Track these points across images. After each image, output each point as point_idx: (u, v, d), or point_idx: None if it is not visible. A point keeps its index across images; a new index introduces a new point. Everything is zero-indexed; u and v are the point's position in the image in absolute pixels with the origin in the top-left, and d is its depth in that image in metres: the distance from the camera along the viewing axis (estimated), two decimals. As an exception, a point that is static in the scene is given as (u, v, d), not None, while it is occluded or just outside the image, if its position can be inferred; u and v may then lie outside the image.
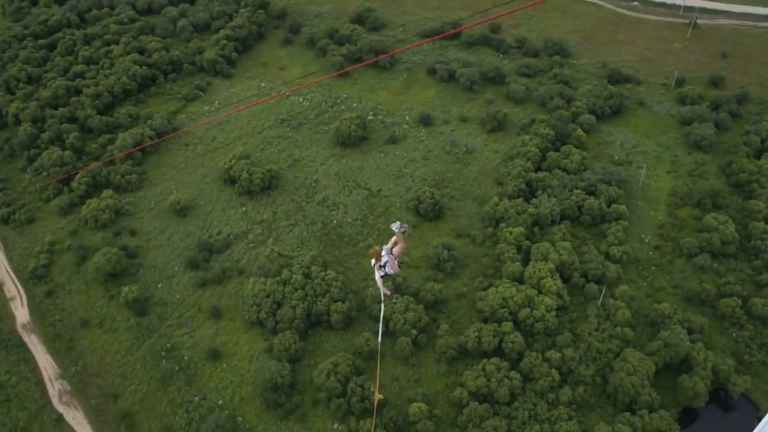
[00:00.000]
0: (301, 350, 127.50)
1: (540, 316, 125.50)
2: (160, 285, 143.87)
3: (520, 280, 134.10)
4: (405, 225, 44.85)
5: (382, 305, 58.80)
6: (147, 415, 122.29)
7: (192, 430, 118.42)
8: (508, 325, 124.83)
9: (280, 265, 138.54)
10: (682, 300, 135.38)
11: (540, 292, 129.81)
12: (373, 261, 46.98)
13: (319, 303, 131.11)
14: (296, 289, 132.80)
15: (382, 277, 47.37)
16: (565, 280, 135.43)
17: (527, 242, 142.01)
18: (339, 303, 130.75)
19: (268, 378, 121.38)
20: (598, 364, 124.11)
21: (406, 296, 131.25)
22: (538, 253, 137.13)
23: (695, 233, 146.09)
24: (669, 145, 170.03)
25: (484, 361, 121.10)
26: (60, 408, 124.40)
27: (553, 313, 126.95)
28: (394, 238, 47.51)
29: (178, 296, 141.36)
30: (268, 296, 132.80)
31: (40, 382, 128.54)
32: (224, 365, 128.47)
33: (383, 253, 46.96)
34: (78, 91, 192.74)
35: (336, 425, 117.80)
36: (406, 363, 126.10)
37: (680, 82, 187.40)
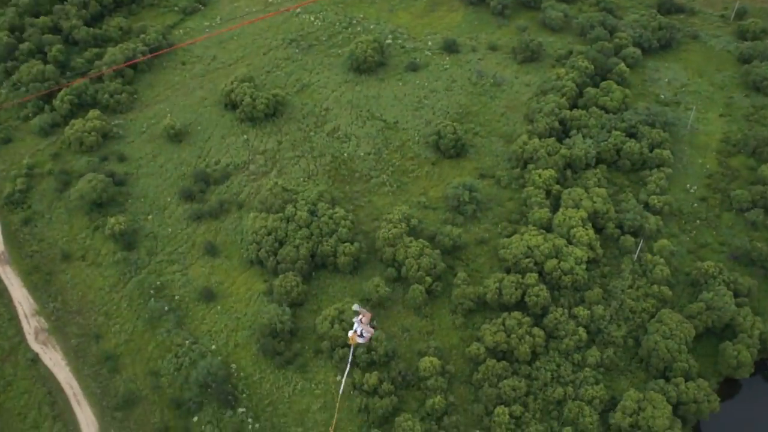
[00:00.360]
0: (303, 294, 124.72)
1: (568, 268, 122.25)
2: (150, 217, 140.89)
3: (548, 228, 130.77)
4: (358, 305, 51.04)
5: (349, 362, 65.45)
6: (132, 358, 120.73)
7: (181, 376, 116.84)
8: (532, 277, 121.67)
9: (284, 200, 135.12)
10: (729, 259, 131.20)
11: (570, 243, 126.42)
12: (351, 337, 54.01)
13: (325, 243, 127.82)
14: (301, 227, 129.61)
15: (363, 337, 54.90)
16: (598, 230, 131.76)
17: (558, 187, 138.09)
18: (347, 244, 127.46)
19: (266, 323, 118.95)
20: (630, 325, 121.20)
21: (421, 240, 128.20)
22: (570, 200, 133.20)
23: (748, 185, 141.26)
24: (724, 85, 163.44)
25: (505, 315, 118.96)
26: (36, 347, 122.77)
27: (583, 266, 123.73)
28: (360, 315, 56.49)
29: (170, 230, 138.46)
30: (269, 234, 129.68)
31: (14, 318, 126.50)
32: (218, 307, 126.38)
33: (355, 326, 56.75)
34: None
35: (339, 377, 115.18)
36: (419, 313, 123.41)
37: (741, 14, 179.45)
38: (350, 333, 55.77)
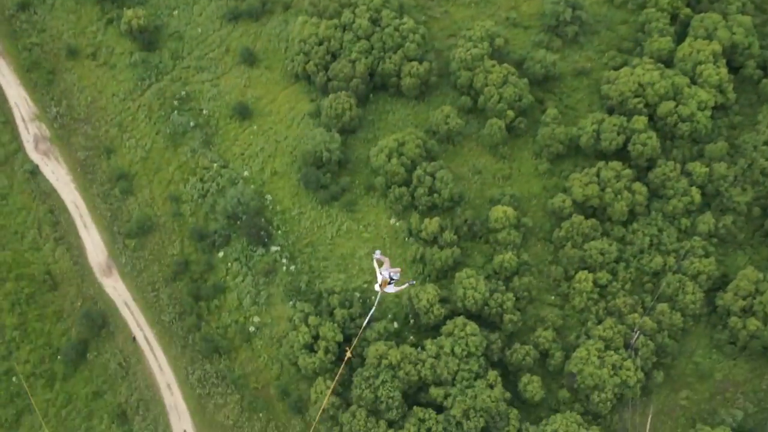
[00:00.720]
0: (357, 119, 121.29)
1: (688, 114, 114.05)
2: (176, 12, 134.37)
3: (668, 61, 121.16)
4: (379, 252, 59.56)
5: (371, 314, 68.87)
6: (149, 179, 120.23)
7: (206, 204, 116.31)
8: (640, 121, 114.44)
9: (340, 3, 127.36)
10: None
11: (694, 82, 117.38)
12: (378, 286, 58.63)
13: (388, 60, 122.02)
14: (359, 39, 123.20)
15: (394, 282, 59.20)
16: (734, 69, 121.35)
17: (687, 10, 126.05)
18: (415, 63, 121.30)
19: (311, 150, 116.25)
20: (759, 190, 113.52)
21: (506, 65, 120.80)
22: (701, 28, 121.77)
23: None
24: None
25: (600, 164, 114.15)
26: (36, 157, 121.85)
27: (708, 112, 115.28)
28: (380, 262, 60.40)
29: (199, 30, 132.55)
30: (320, 43, 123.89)
31: (10, 123, 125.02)
32: (254, 127, 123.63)
33: (383, 271, 58.56)
34: None
35: (393, 220, 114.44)
36: (495, 153, 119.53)
37: None
38: (377, 286, 59.91)
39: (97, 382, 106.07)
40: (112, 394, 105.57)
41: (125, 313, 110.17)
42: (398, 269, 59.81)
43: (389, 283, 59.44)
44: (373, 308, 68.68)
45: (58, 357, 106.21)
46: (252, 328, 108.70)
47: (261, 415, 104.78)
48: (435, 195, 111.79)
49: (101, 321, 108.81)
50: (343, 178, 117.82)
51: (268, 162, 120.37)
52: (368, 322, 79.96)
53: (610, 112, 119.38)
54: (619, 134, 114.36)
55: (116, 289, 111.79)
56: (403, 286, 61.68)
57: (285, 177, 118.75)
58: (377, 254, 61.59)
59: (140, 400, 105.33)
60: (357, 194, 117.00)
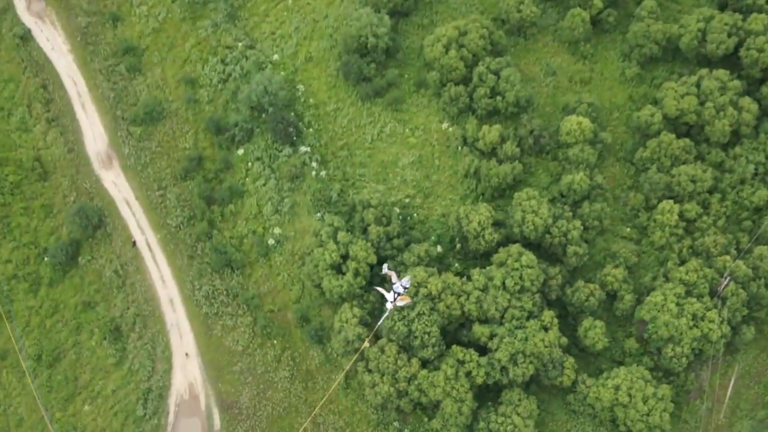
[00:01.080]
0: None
1: None
2: None
3: None
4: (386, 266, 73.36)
5: (380, 323, 78.86)
6: (161, 56, 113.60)
7: (227, 90, 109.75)
8: (759, 20, 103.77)
9: None
10: None
11: None
12: (391, 303, 67.83)
13: None
14: None
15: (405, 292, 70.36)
16: None
17: None
18: None
19: (354, 34, 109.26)
20: None
21: None
22: None
23: None
24: None
25: (703, 71, 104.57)
26: (28, 20, 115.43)
27: None
28: (389, 276, 70.73)
29: None
30: None
31: None
32: (289, 1, 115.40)
33: (396, 287, 67.74)
34: None
35: (445, 125, 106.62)
36: (575, 51, 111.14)
37: None
38: (389, 303, 66.97)
39: (88, 291, 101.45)
40: (106, 306, 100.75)
41: (125, 212, 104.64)
42: (408, 277, 64.50)
43: (399, 294, 64.75)
44: (384, 317, 71.19)
45: (45, 259, 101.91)
46: (271, 241, 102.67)
47: (275, 341, 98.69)
48: (498, 98, 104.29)
49: (97, 220, 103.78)
50: (389, 70, 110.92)
51: (302, 45, 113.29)
52: (382, 322, 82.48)
53: (722, 7, 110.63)
54: (730, 36, 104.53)
55: (116, 184, 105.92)
56: (409, 301, 68.42)
57: (321, 64, 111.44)
58: (385, 268, 66.14)
59: (137, 315, 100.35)
60: (405, 91, 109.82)
